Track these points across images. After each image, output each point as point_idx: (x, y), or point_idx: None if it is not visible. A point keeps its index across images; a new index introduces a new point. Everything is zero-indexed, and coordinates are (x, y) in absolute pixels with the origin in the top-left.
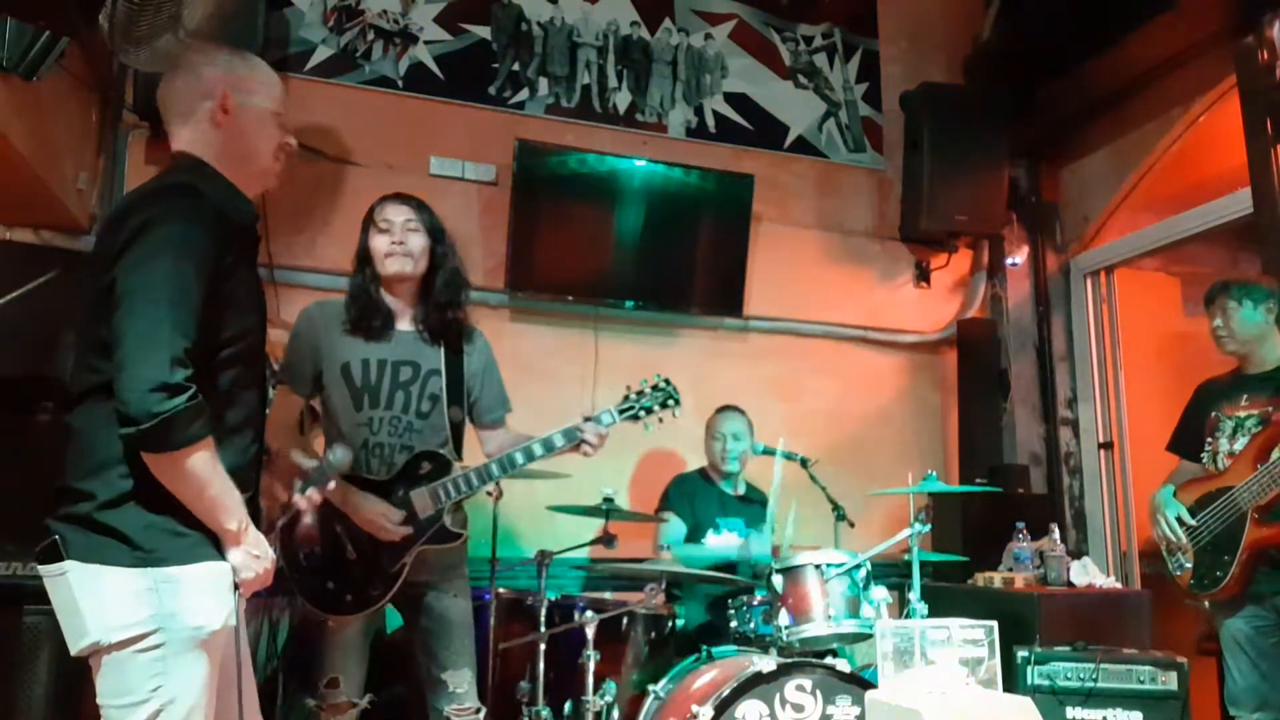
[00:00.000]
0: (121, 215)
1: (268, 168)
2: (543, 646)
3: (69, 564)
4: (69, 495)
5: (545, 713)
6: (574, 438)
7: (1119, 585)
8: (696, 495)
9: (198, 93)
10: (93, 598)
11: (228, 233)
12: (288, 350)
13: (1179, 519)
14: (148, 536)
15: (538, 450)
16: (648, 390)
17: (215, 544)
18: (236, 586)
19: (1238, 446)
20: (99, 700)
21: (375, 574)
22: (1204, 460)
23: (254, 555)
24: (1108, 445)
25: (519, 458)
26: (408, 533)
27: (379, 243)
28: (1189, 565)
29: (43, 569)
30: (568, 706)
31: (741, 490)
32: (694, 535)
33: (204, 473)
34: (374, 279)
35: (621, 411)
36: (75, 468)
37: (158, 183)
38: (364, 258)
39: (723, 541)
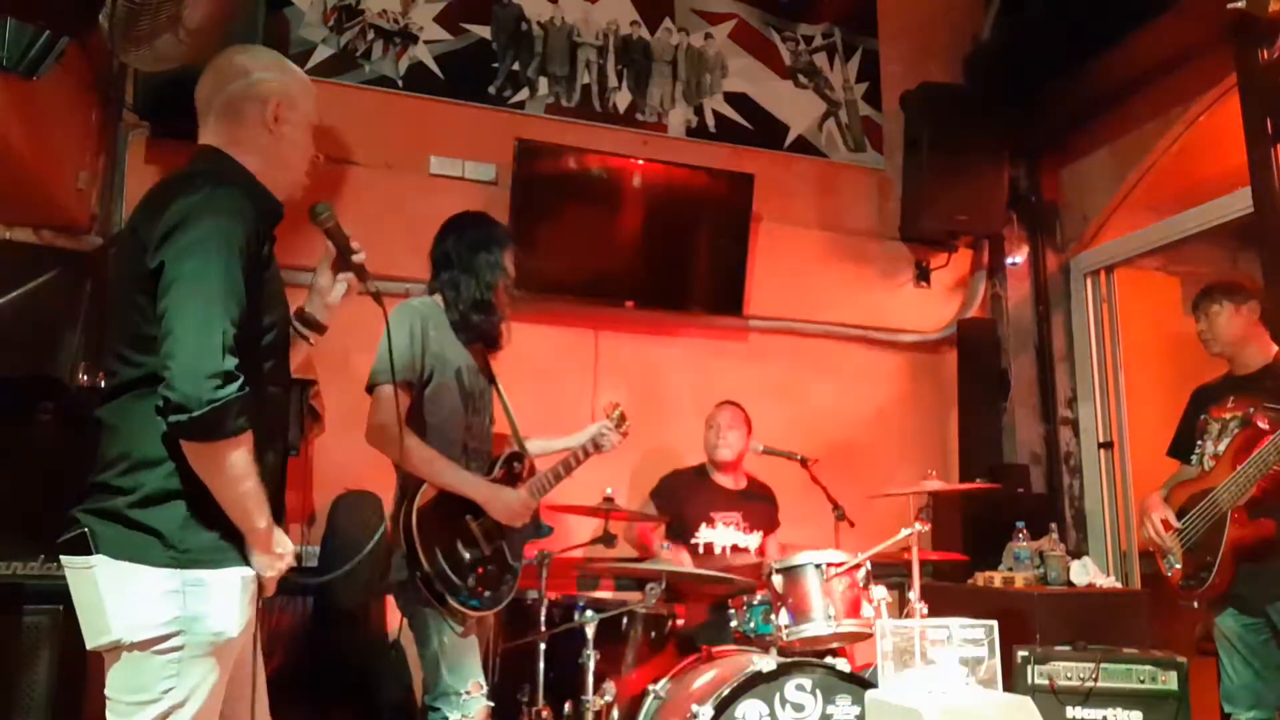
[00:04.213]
0: (162, 203)
1: (299, 179)
2: (543, 646)
3: (98, 558)
4: (102, 490)
5: (545, 713)
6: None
7: (1119, 585)
8: (684, 491)
9: (250, 98)
10: (119, 595)
11: (261, 225)
12: (401, 348)
13: (1165, 522)
14: (184, 535)
15: (591, 448)
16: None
17: (243, 549)
18: (262, 590)
19: (1221, 448)
20: (107, 692)
21: (505, 569)
22: (1194, 462)
23: (277, 555)
24: (1108, 445)
25: (581, 454)
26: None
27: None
28: (1179, 566)
29: (67, 560)
30: (568, 706)
31: (743, 485)
32: (681, 533)
33: (242, 466)
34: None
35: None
36: (110, 462)
37: (194, 172)
38: (498, 258)
39: (715, 536)
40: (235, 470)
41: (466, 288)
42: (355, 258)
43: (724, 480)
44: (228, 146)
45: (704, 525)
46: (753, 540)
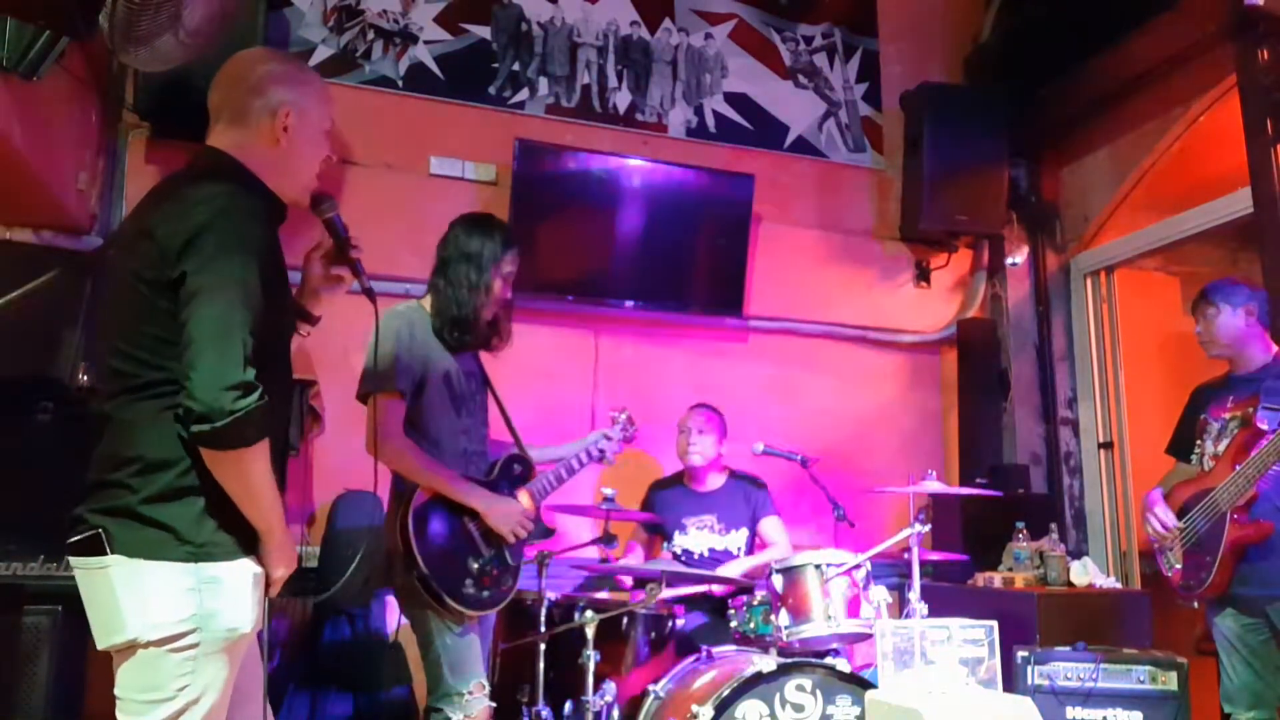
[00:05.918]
0: (181, 206)
1: (307, 184)
2: (543, 646)
3: (113, 558)
4: (111, 488)
5: (545, 713)
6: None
7: (1119, 585)
8: (661, 500)
9: (259, 107)
10: (136, 594)
11: (274, 229)
12: (392, 356)
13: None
14: (199, 530)
15: (595, 451)
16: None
17: (253, 543)
18: (268, 589)
19: (1221, 448)
20: (118, 691)
21: (505, 569)
22: (1193, 462)
23: (287, 556)
24: (1108, 445)
25: (584, 456)
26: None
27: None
28: (1179, 566)
29: (78, 561)
30: (568, 706)
31: (718, 485)
32: (665, 538)
33: (261, 472)
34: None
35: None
36: (121, 461)
37: (211, 174)
38: (483, 278)
39: (690, 542)
40: (254, 476)
41: (444, 300)
42: (352, 252)
43: (697, 484)
44: (235, 151)
45: (677, 533)
46: (732, 540)
